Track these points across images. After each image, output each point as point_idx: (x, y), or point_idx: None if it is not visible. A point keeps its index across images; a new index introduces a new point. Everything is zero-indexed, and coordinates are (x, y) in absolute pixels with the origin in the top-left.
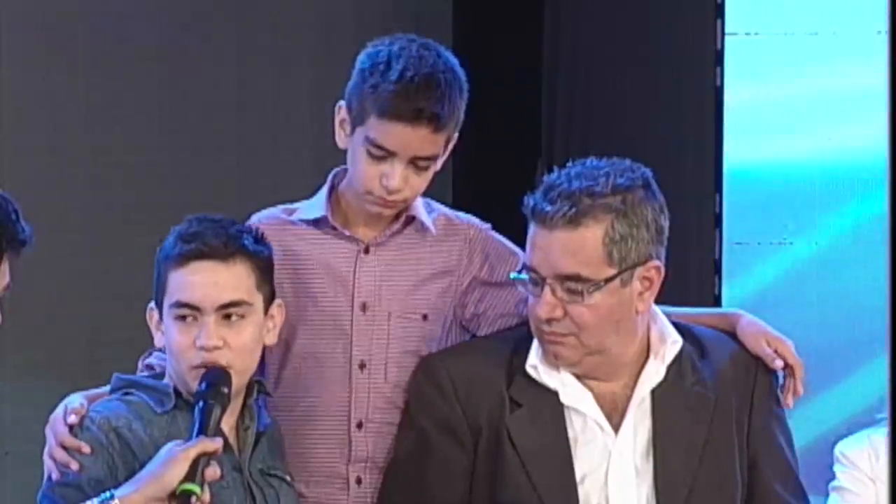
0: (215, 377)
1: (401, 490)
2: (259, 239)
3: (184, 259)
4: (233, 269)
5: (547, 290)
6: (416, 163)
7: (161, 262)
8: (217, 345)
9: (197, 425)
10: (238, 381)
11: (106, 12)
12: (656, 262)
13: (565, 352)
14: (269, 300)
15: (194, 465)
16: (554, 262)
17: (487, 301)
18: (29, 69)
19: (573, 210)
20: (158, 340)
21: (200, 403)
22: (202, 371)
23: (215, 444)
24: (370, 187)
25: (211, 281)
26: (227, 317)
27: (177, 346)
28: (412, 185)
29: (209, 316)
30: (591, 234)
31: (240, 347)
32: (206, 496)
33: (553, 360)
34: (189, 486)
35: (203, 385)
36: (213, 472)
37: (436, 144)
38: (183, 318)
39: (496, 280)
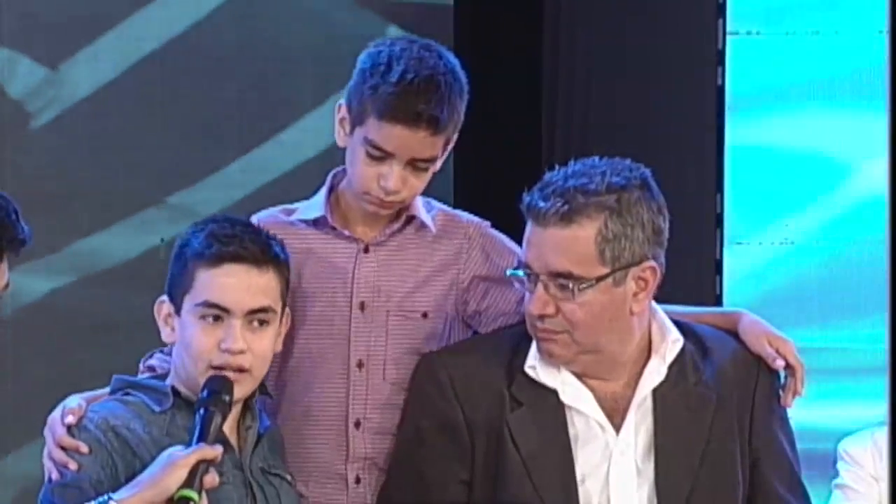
0: (218, 385)
1: (399, 488)
2: (283, 247)
3: (218, 259)
4: (265, 275)
5: (540, 286)
6: (414, 164)
7: (188, 259)
8: (243, 349)
9: (197, 432)
10: (251, 386)
11: (108, 10)
12: (652, 263)
13: (558, 349)
14: (284, 308)
15: (193, 471)
16: (546, 258)
17: (489, 298)
18: (34, 67)
19: (566, 207)
20: (167, 335)
21: (202, 410)
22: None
23: (215, 451)
24: (368, 188)
25: (245, 285)
26: (252, 322)
27: (197, 346)
28: (410, 186)
29: (237, 319)
30: (584, 233)
31: (261, 353)
32: (204, 503)
33: (547, 357)
34: (187, 492)
35: (205, 392)
36: (211, 479)
37: (434, 146)
38: (208, 317)
39: (498, 276)
